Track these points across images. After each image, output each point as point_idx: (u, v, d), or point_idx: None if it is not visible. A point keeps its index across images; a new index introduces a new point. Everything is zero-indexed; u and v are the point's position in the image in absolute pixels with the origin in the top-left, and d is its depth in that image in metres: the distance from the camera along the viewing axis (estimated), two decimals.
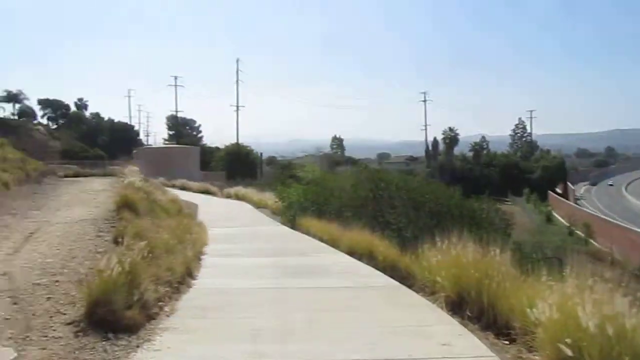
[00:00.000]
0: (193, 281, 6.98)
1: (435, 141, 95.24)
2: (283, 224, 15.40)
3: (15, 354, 3.97)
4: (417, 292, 6.50)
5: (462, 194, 17.13)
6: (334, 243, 10.44)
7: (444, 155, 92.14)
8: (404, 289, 6.65)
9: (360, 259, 8.72)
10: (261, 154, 72.80)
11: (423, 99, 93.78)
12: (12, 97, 79.29)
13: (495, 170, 79.28)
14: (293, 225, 14.53)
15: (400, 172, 24.84)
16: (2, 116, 73.86)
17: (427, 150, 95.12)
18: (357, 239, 9.63)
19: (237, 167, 59.17)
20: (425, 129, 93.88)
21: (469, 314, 5.19)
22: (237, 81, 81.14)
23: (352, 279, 7.21)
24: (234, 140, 74.66)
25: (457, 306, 5.50)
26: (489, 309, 4.99)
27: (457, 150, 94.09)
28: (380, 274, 7.59)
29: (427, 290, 6.44)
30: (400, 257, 8.33)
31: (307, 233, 12.46)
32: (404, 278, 7.27)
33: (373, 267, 8.08)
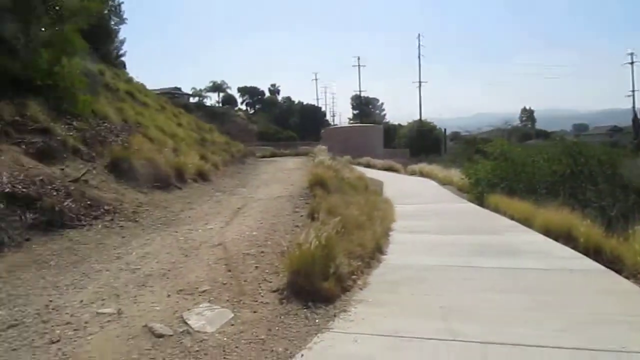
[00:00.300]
0: (382, 256, 7.13)
1: None
2: (470, 201, 14.89)
3: (232, 315, 4.52)
4: (627, 278, 5.84)
5: None
6: (526, 222, 9.82)
7: None
8: (611, 274, 6.00)
9: (556, 239, 8.07)
10: (445, 129, 71.13)
11: (630, 61, 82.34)
12: (216, 87, 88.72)
13: None
14: (481, 203, 13.98)
15: (602, 144, 22.26)
16: (209, 104, 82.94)
17: (634, 119, 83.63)
18: (553, 218, 8.92)
19: (420, 143, 58.72)
20: (633, 95, 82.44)
21: None
22: (419, 56, 79.93)
23: (548, 261, 6.72)
24: (416, 117, 74.08)
25: None
26: None
27: None
28: (581, 256, 6.95)
29: None
30: (604, 238, 7.53)
31: (496, 211, 11.90)
32: (610, 262, 6.57)
33: (572, 248, 7.43)
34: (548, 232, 8.47)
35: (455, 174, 20.83)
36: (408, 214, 11.62)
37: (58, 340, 3.91)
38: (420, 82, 78.54)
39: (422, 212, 12.26)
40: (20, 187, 7.21)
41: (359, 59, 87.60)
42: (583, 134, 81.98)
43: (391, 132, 69.01)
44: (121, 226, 7.66)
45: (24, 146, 8.67)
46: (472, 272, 6.24)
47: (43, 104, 10.42)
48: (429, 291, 5.43)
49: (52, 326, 4.17)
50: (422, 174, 26.17)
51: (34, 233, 6.65)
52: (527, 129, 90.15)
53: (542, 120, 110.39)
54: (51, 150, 9.01)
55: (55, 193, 7.57)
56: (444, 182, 20.97)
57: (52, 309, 4.52)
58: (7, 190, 6.94)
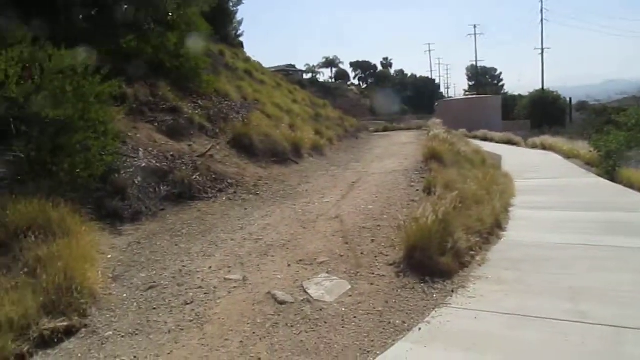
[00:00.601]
0: (502, 233, 6.85)
1: None
2: (599, 175, 13.77)
3: (350, 286, 4.61)
4: None
5: None
6: None
7: None
8: None
9: None
10: (570, 99, 65.94)
11: None
12: (329, 63, 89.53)
13: None
14: (612, 178, 12.87)
15: None
16: (322, 80, 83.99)
17: None
18: None
19: (542, 115, 54.97)
20: None
21: None
22: (541, 21, 74.69)
23: None
24: (538, 86, 69.33)
25: None
26: None
27: None
28: None
29: None
30: None
31: (630, 186, 10.89)
32: None
33: None
34: None
35: (582, 147, 19.34)
36: (529, 189, 11.03)
37: (191, 302, 4.25)
38: (542, 48, 73.25)
39: (545, 187, 11.58)
40: (154, 161, 7.85)
41: (475, 27, 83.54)
42: None
43: (510, 103, 65.32)
44: (243, 199, 8.07)
45: (156, 124, 9.39)
46: (602, 251, 5.81)
47: (171, 84, 11.18)
48: (554, 270, 5.15)
49: (186, 289, 4.53)
50: (544, 147, 24.61)
51: (167, 204, 7.23)
52: None
53: None
54: (180, 128, 9.67)
55: (184, 167, 8.14)
56: (569, 156, 19.57)
57: (185, 273, 4.91)
58: (143, 164, 7.58)
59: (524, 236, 6.70)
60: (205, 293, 4.44)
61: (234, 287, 4.56)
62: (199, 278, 4.78)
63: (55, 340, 3.60)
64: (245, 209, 7.53)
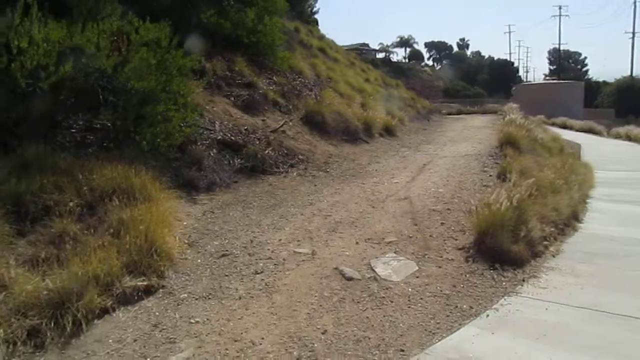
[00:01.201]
0: (579, 224, 6.57)
1: None
2: None
3: (417, 267, 4.59)
4: None
5: None
6: None
7: None
8: None
9: None
10: None
11: None
12: (403, 42, 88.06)
13: None
14: None
15: None
16: (395, 60, 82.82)
17: None
18: None
19: (629, 103, 51.71)
20: None
21: None
22: (634, 1, 69.67)
23: None
24: (626, 73, 65.12)
25: None
26: None
27: None
28: None
29: None
30: None
31: None
32: None
33: None
34: None
35: None
36: (611, 181, 10.47)
37: (261, 272, 4.39)
38: (633, 32, 68.56)
39: (629, 180, 10.95)
40: (229, 135, 8.07)
41: (560, 8, 79.28)
42: None
43: (593, 90, 61.78)
44: (313, 175, 8.17)
45: (232, 98, 9.62)
46: None
47: (248, 60, 11.39)
48: (634, 266, 4.89)
49: (256, 259, 4.68)
50: (629, 138, 23.19)
51: (240, 177, 7.44)
52: None
53: None
54: (254, 103, 9.86)
55: (257, 142, 8.32)
56: None
57: (256, 244, 5.06)
58: (219, 137, 7.83)
59: (602, 229, 6.39)
60: (274, 264, 4.56)
61: (303, 260, 4.66)
62: (268, 249, 4.92)
63: (136, 298, 3.84)
64: (315, 185, 7.62)
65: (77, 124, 6.14)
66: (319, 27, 26.71)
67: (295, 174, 8.09)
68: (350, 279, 4.25)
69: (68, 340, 3.29)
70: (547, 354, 3.16)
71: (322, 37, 23.25)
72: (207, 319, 3.60)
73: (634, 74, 62.87)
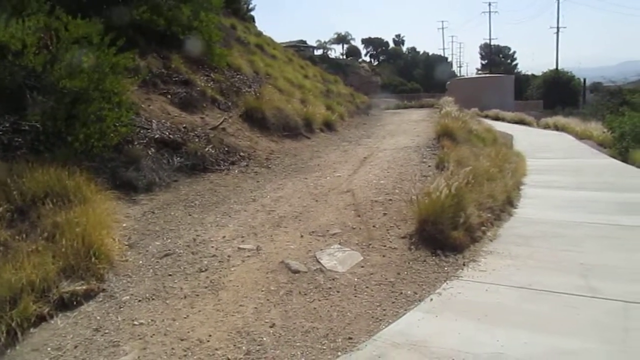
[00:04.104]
0: (514, 210, 6.87)
1: None
2: (612, 156, 13.69)
3: (362, 257, 4.66)
4: None
5: None
6: None
7: None
8: None
9: None
10: (584, 80, 65.04)
11: None
12: (341, 39, 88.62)
13: None
14: (625, 159, 12.78)
15: None
16: (333, 57, 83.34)
17: None
18: None
19: (555, 95, 54.31)
20: None
21: None
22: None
23: None
24: (552, 67, 68.35)
25: None
26: None
27: None
28: None
29: None
30: None
31: None
32: None
33: None
34: None
35: (596, 128, 19.17)
36: (541, 169, 10.99)
37: (206, 270, 4.33)
38: (558, 27, 71.85)
39: (557, 167, 11.52)
40: (167, 133, 7.89)
41: (489, 4, 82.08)
42: None
43: (523, 83, 64.52)
44: (255, 171, 8.12)
45: (169, 96, 9.40)
46: (614, 230, 5.82)
47: (184, 57, 11.14)
48: (565, 247, 5.17)
49: (200, 257, 4.61)
50: (556, 128, 24.39)
51: (180, 175, 7.30)
52: None
53: None
54: (192, 100, 9.67)
55: (197, 139, 8.18)
56: (581, 137, 19.41)
57: (199, 242, 4.98)
58: (157, 136, 7.63)
59: (535, 214, 6.71)
60: (219, 261, 4.51)
61: (248, 256, 4.62)
62: (212, 247, 4.85)
63: (75, 303, 3.70)
64: (258, 181, 7.58)
65: (3, 126, 5.82)
66: (256, 24, 26.51)
67: (237, 171, 8.01)
68: (296, 271, 4.26)
69: (2, 350, 3.13)
70: (488, 332, 3.29)
71: (259, 34, 23.06)
72: (152, 320, 3.51)
73: (559, 67, 66.04)
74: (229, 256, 4.62)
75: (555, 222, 6.22)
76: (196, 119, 9.16)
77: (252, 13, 28.42)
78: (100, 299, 3.83)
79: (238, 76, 12.99)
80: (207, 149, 8.00)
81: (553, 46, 71.53)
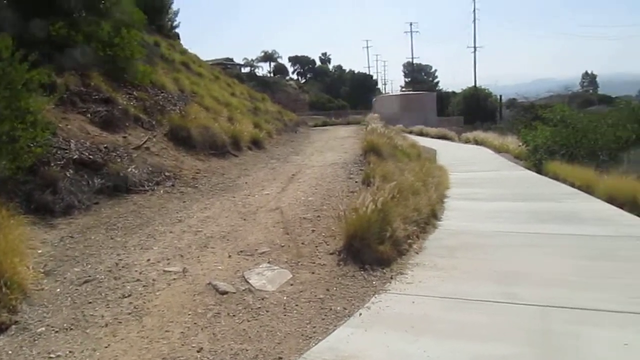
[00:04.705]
0: (438, 222, 7.10)
1: None
2: (528, 168, 14.51)
3: (291, 275, 4.64)
4: None
5: None
6: (588, 189, 9.50)
7: None
8: None
9: (620, 207, 7.79)
10: (500, 96, 68.76)
11: None
12: (268, 57, 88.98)
13: None
14: (539, 170, 13.59)
15: None
16: (260, 74, 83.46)
17: None
18: (617, 185, 8.60)
19: (475, 111, 57.06)
20: None
21: None
22: (474, 21, 76.99)
23: (613, 228, 6.51)
24: (471, 84, 71.84)
25: None
26: None
27: None
28: None
29: None
30: None
31: (555, 178, 11.55)
32: None
33: (637, 215, 7.17)
34: (611, 200, 8.19)
35: (512, 142, 20.30)
36: (463, 182, 11.46)
37: (129, 295, 4.15)
38: (475, 47, 75.86)
39: (478, 180, 12.06)
40: (87, 154, 7.56)
41: (411, 25, 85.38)
42: None
43: (445, 100, 67.36)
44: (181, 191, 7.93)
45: (89, 115, 9.03)
46: (531, 238, 6.15)
47: (105, 74, 10.78)
48: (487, 256, 5.40)
49: (123, 282, 4.42)
50: (476, 142, 25.61)
51: (101, 197, 7.00)
52: (588, 95, 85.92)
53: (605, 85, 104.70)
54: (114, 119, 9.35)
55: (119, 160, 7.90)
56: (499, 150, 20.48)
57: (122, 267, 4.78)
58: (75, 157, 7.30)
59: (458, 225, 6.97)
60: (143, 286, 4.34)
61: (174, 279, 4.49)
62: (136, 271, 4.67)
63: None
64: (184, 201, 7.40)
65: None
66: (181, 42, 26.12)
67: (162, 191, 7.79)
68: (224, 293, 4.17)
69: None
70: (416, 344, 3.35)
71: (184, 52, 22.73)
72: (70, 352, 3.31)
73: (477, 85, 69.47)
74: (153, 280, 4.46)
75: (477, 232, 6.50)
76: (118, 138, 8.86)
77: (177, 30, 28.00)
78: (13, 332, 3.57)
79: (162, 94, 12.71)
80: (130, 169, 7.73)
81: (471, 64, 75.09)
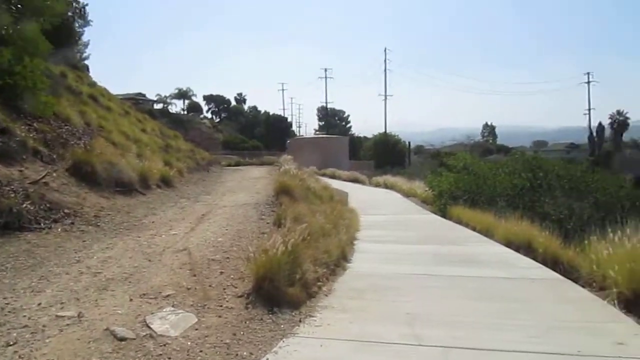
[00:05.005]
0: (348, 264, 7.20)
1: (600, 126, 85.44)
2: (433, 212, 15.17)
3: (196, 319, 4.46)
4: (583, 287, 6.06)
5: (634, 184, 15.41)
6: (488, 233, 10.09)
7: (610, 142, 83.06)
8: (568, 282, 6.23)
9: (517, 250, 8.32)
10: (409, 142, 72.15)
11: (587, 80, 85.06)
12: (182, 94, 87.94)
13: None
14: (444, 214, 14.26)
15: (560, 160, 23.01)
16: (174, 111, 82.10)
17: (590, 137, 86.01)
18: (514, 229, 9.20)
19: (385, 156, 59.36)
20: (589, 113, 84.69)
21: None
22: (385, 70, 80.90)
23: (510, 270, 6.91)
24: (381, 129, 74.83)
25: (632, 304, 5.04)
26: None
27: (627, 137, 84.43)
28: (541, 266, 7.19)
29: (595, 285, 5.99)
30: (562, 249, 7.82)
31: (459, 222, 12.16)
32: (567, 272, 6.83)
33: (532, 259, 7.67)
34: (509, 243, 8.72)
35: (419, 186, 21.19)
36: (373, 224, 11.74)
37: (14, 343, 3.79)
38: (385, 95, 79.58)
39: (387, 223, 12.41)
40: None
41: (325, 70, 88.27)
42: (542, 150, 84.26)
43: (357, 144, 69.65)
44: (82, 230, 7.48)
45: None
46: (436, 280, 6.37)
47: (2, 103, 10.11)
48: (394, 298, 5.52)
49: (9, 329, 4.03)
50: (386, 186, 26.47)
51: None
52: (488, 144, 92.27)
53: (503, 135, 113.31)
54: (10, 151, 8.72)
55: (13, 195, 7.33)
56: (408, 194, 21.26)
57: (9, 312, 4.37)
58: None
59: (367, 267, 7.11)
60: (32, 332, 3.98)
61: (67, 324, 4.16)
62: (25, 316, 4.29)
63: None
64: (84, 241, 6.97)
65: None
66: (90, 74, 25.23)
67: (60, 229, 7.29)
68: (123, 339, 3.92)
69: None
70: None
71: (93, 84, 21.95)
72: None
73: (387, 131, 72.47)
74: (44, 326, 4.11)
75: (385, 274, 6.65)
76: (13, 172, 8.25)
77: (87, 62, 27.08)
78: None
79: (66, 127, 12.10)
80: (24, 206, 7.19)
81: (382, 111, 78.38)
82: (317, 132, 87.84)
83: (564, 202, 12.82)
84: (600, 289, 5.78)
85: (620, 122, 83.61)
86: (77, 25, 24.14)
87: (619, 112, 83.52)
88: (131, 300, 4.77)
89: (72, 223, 7.66)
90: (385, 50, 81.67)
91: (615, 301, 5.23)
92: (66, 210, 7.94)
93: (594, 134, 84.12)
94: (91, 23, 25.41)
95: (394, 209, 16.37)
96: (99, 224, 7.96)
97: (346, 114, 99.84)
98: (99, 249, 6.60)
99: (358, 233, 10.06)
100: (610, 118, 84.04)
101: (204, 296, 4.99)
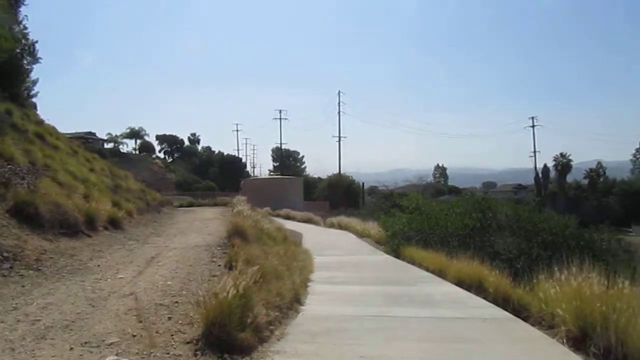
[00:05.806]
0: (301, 307, 7.09)
1: (545, 168, 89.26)
2: (387, 253, 15.26)
3: None
4: (533, 325, 6.15)
5: (578, 224, 15.96)
6: (440, 273, 10.18)
7: (555, 183, 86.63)
8: (518, 321, 6.32)
9: (468, 289, 8.41)
10: (363, 183, 73.06)
11: (531, 124, 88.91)
12: (134, 134, 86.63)
13: (614, 199, 73.33)
14: (397, 255, 14.35)
15: (509, 200, 23.73)
16: (125, 151, 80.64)
17: (536, 178, 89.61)
18: (465, 269, 9.33)
19: (339, 196, 59.87)
20: (535, 156, 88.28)
21: (594, 351, 4.81)
22: (339, 113, 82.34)
23: (462, 310, 6.96)
24: (336, 170, 75.62)
25: (580, 341, 5.14)
26: (617, 346, 4.60)
27: (570, 178, 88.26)
28: (492, 305, 7.28)
29: (544, 323, 6.09)
30: (512, 288, 7.96)
31: (412, 262, 12.25)
32: (517, 310, 6.94)
33: (483, 298, 7.77)
34: (460, 283, 8.81)
35: (373, 227, 21.35)
36: (327, 265, 11.68)
37: None
38: (339, 137, 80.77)
39: (341, 264, 12.37)
40: None
41: (280, 111, 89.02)
42: (491, 191, 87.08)
43: (311, 185, 69.97)
44: (21, 275, 7.09)
45: None
46: (389, 321, 6.35)
47: None
48: (347, 341, 5.45)
49: None
50: (340, 227, 26.55)
51: None
52: (440, 185, 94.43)
53: (454, 176, 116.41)
54: None
55: None
56: (361, 235, 21.36)
57: None
58: None
59: (321, 310, 7.01)
60: None
61: None
62: None
63: None
64: (23, 286, 6.61)
65: None
66: (38, 112, 24.54)
67: None
68: None
69: None
70: None
71: (40, 122, 21.32)
72: None
73: (341, 172, 73.25)
74: None
75: (338, 317, 6.57)
76: None
77: (34, 100, 26.36)
78: None
79: (9, 166, 11.62)
80: None
81: (336, 152, 79.40)
82: (272, 173, 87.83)
83: (513, 242, 13.12)
84: (550, 327, 5.87)
85: (563, 164, 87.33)
86: (25, 62, 23.56)
87: (562, 155, 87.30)
88: (71, 349, 4.51)
89: (11, 267, 7.26)
90: (339, 93, 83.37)
91: (564, 339, 5.32)
92: (5, 254, 7.53)
93: (540, 175, 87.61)
94: (40, 60, 24.82)
95: (348, 250, 16.38)
96: (40, 268, 7.58)
97: (301, 155, 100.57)
98: (39, 294, 6.26)
99: (312, 274, 9.97)
100: (554, 160, 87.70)
101: (151, 343, 4.77)
